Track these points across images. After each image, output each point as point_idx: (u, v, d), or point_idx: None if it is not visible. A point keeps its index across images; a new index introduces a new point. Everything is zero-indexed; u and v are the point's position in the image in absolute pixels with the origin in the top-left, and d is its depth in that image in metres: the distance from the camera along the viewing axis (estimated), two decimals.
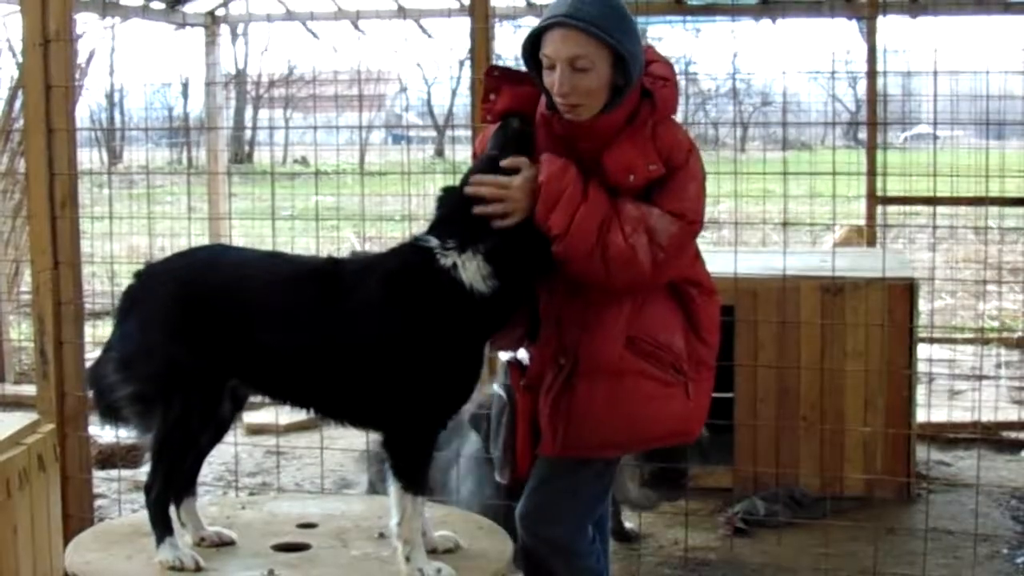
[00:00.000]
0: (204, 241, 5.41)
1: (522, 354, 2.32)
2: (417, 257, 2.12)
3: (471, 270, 2.08)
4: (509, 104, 2.21)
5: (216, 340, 2.15)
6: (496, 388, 2.38)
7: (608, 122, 2.14)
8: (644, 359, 2.19)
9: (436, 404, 2.16)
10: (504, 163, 2.12)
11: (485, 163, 2.17)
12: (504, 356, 2.34)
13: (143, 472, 2.35)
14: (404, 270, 2.12)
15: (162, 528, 2.20)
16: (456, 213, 2.12)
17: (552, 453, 2.26)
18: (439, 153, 15.62)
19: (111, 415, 2.28)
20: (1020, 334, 6.73)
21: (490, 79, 2.25)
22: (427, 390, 2.12)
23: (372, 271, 2.16)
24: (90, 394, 2.44)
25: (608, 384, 2.19)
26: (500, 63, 3.71)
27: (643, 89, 2.16)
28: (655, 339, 2.20)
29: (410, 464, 2.14)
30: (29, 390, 4.26)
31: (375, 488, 3.09)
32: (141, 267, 2.30)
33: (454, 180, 2.48)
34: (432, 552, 2.23)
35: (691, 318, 2.25)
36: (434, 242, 2.11)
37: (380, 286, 2.12)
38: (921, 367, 4.47)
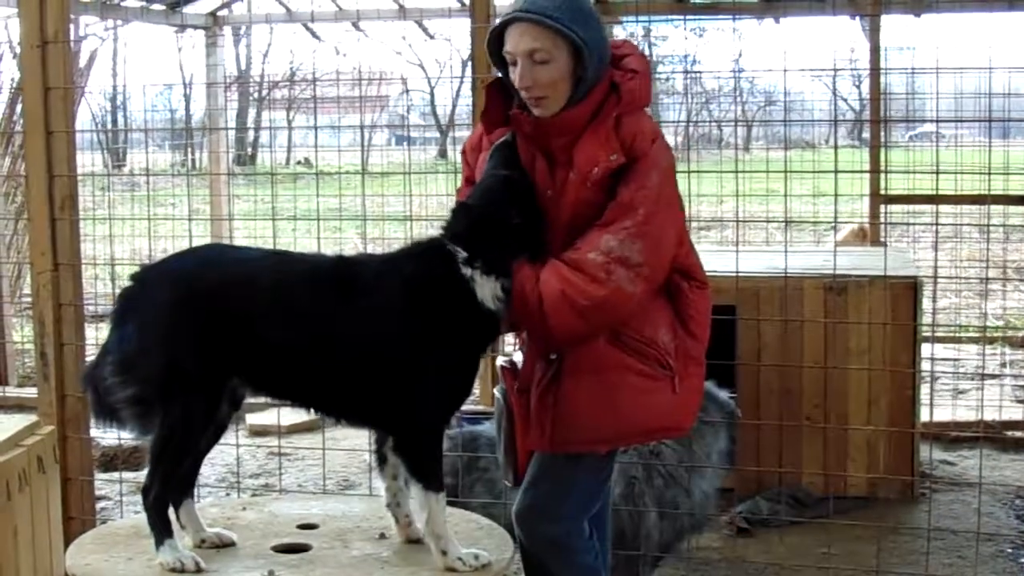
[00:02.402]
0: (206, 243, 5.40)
1: (517, 357, 2.33)
2: (440, 262, 2.15)
3: (487, 289, 2.13)
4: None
5: (218, 340, 2.14)
6: (496, 393, 2.38)
7: (573, 116, 2.15)
8: (629, 354, 2.20)
9: (443, 403, 2.19)
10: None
11: (501, 182, 2.20)
12: (500, 361, 2.35)
13: (145, 474, 2.34)
14: (428, 274, 2.15)
15: (161, 530, 2.19)
16: (482, 233, 2.15)
17: (541, 448, 2.27)
18: (442, 154, 15.63)
19: (108, 417, 2.27)
20: None
21: (490, 90, 2.25)
22: (437, 391, 2.15)
23: (392, 272, 2.17)
24: (87, 396, 2.43)
25: (592, 379, 2.20)
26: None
27: (612, 83, 2.17)
28: (640, 334, 2.20)
29: (426, 464, 2.17)
30: (32, 393, 4.26)
31: None
32: (136, 270, 2.29)
33: (456, 181, 2.48)
34: (418, 542, 2.26)
35: (680, 312, 2.25)
36: (461, 254, 2.14)
37: (401, 288, 2.14)
38: (925, 366, 4.45)
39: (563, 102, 2.15)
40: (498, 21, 2.16)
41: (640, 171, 2.14)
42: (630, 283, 2.11)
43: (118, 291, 2.28)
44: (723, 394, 3.10)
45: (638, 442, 2.71)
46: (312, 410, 2.28)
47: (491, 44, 2.18)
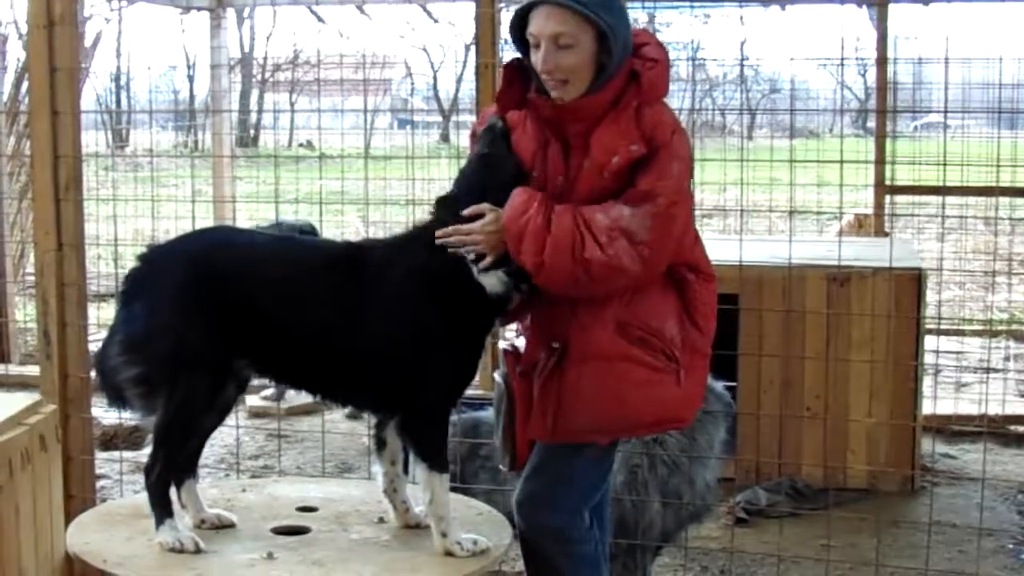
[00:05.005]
0: (209, 225, 5.39)
1: (520, 341, 2.32)
2: (442, 249, 2.14)
3: (491, 276, 2.14)
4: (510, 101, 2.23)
5: (226, 322, 2.14)
6: (496, 377, 2.38)
7: (593, 103, 2.14)
8: (634, 345, 2.18)
9: (451, 385, 2.21)
10: (465, 212, 2.13)
11: (476, 161, 2.22)
12: (502, 344, 2.34)
13: (145, 454, 2.35)
14: (435, 262, 2.15)
15: (161, 510, 2.20)
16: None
17: (543, 437, 2.27)
18: (444, 138, 15.59)
19: (115, 397, 2.27)
20: None
21: (508, 71, 2.24)
22: (445, 373, 2.17)
23: (401, 259, 2.18)
24: (95, 376, 2.43)
25: (597, 369, 2.19)
26: (506, 48, 3.68)
27: (632, 71, 2.15)
28: (647, 325, 2.19)
29: (432, 446, 2.19)
30: (34, 371, 4.28)
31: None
32: (144, 250, 2.28)
33: (459, 165, 2.48)
34: (416, 527, 2.27)
35: (686, 304, 2.24)
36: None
37: (410, 275, 2.15)
38: (928, 359, 4.44)
39: (584, 88, 2.14)
40: (525, 3, 2.14)
41: (661, 161, 2.13)
42: (629, 258, 2.09)
43: (121, 271, 2.28)
44: (719, 385, 3.10)
45: (640, 434, 2.69)
46: (318, 394, 2.29)
47: (514, 25, 2.16)
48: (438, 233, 2.14)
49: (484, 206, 2.13)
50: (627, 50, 2.15)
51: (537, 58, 2.13)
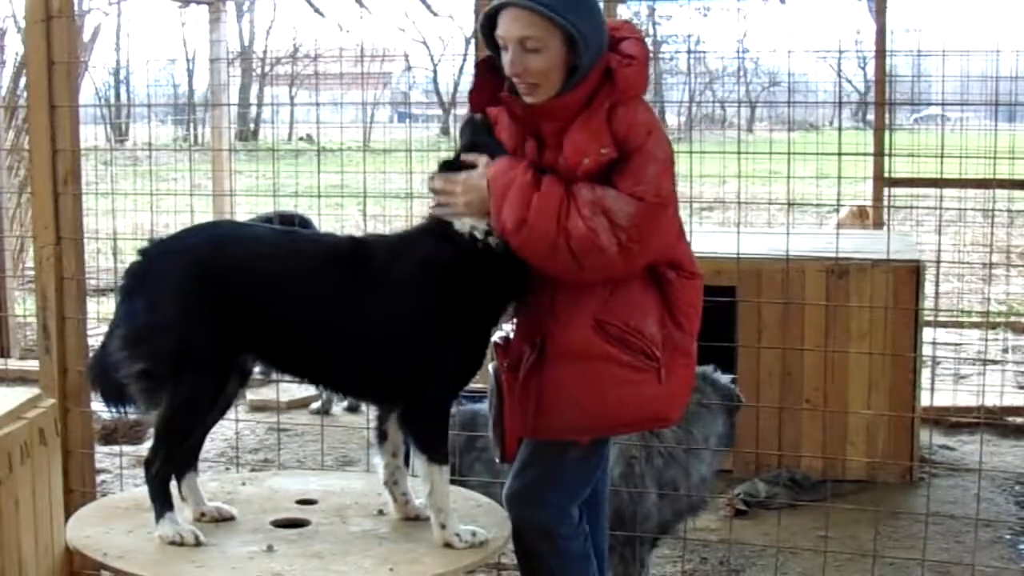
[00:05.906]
0: (208, 219, 5.41)
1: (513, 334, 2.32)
2: (454, 241, 2.15)
3: (466, 225, 2.14)
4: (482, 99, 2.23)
5: (232, 318, 2.13)
6: (490, 369, 2.38)
7: (565, 103, 2.11)
8: (612, 344, 2.16)
9: (455, 380, 2.22)
10: (464, 158, 2.13)
11: (468, 149, 2.20)
12: (494, 337, 2.34)
13: (145, 448, 2.35)
14: (447, 252, 2.15)
15: (161, 503, 2.20)
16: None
17: (525, 433, 2.26)
18: (444, 131, 15.57)
19: (115, 395, 2.26)
20: None
21: (480, 69, 2.23)
22: (452, 364, 2.17)
23: (411, 252, 2.18)
24: (90, 379, 2.42)
25: (575, 368, 2.17)
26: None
27: (608, 69, 2.12)
28: (625, 323, 2.17)
29: (433, 437, 2.19)
30: (34, 365, 4.29)
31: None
32: (145, 244, 2.26)
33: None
34: (415, 519, 2.28)
35: (667, 302, 2.21)
36: (467, 227, 2.14)
37: (413, 270, 2.15)
38: (926, 351, 4.45)
39: (555, 90, 2.11)
40: (492, 5, 2.12)
41: (635, 166, 2.09)
42: (607, 237, 2.05)
43: (120, 265, 2.27)
44: (724, 378, 3.10)
45: (621, 433, 2.64)
46: (322, 386, 2.29)
47: (484, 26, 2.14)
48: (429, 180, 2.14)
49: (482, 158, 2.13)
50: (601, 51, 2.11)
51: (506, 60, 2.10)
